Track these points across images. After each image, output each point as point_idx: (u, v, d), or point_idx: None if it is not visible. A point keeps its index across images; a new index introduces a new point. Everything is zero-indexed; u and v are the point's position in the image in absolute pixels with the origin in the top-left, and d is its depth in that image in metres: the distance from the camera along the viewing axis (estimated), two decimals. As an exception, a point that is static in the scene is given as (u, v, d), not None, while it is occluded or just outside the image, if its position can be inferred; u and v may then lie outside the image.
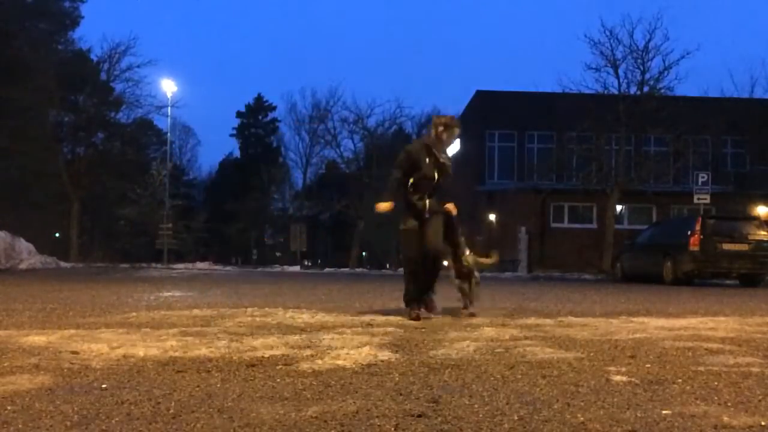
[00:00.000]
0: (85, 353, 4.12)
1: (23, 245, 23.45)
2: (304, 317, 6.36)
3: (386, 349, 4.40)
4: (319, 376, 3.54)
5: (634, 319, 6.68)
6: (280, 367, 3.80)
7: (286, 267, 31.50)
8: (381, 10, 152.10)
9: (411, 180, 6.20)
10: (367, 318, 6.40)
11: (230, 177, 55.41)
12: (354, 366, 3.84)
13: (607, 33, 28.66)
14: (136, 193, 41.84)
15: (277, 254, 54.11)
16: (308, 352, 4.29)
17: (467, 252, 6.51)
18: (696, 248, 16.28)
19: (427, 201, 6.18)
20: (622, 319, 6.67)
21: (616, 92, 28.77)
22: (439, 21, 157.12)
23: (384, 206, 6.22)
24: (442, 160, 6.25)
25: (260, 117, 59.41)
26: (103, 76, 39.45)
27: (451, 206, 6.31)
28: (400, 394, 3.13)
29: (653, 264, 17.59)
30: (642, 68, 28.78)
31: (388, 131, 48.34)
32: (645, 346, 4.67)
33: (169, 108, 38.51)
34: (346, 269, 32.20)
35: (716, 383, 3.46)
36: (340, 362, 3.93)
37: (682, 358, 4.22)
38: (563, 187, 30.38)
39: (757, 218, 19.35)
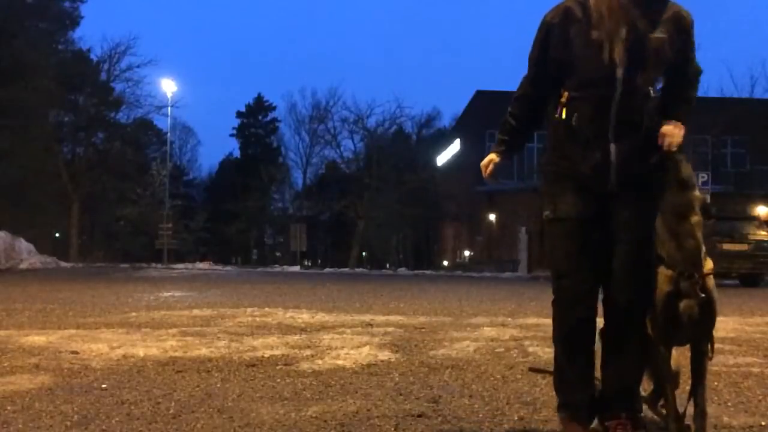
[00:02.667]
0: (85, 353, 4.12)
1: (23, 245, 23.44)
2: (304, 317, 6.37)
3: (386, 349, 4.40)
4: (319, 376, 3.54)
5: (634, 319, 6.67)
6: (280, 367, 3.80)
7: (286, 267, 31.46)
8: (381, 9, 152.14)
9: (564, 95, 2.49)
10: (367, 318, 6.40)
11: (230, 177, 55.29)
12: (354, 366, 3.84)
13: (607, 33, 28.64)
14: (136, 193, 41.79)
15: (277, 254, 54.08)
16: (308, 352, 4.29)
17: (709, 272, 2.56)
18: (696, 248, 16.25)
19: (612, 144, 2.46)
20: (622, 319, 6.67)
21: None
22: (440, 21, 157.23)
23: (488, 165, 2.91)
24: (655, 33, 2.38)
25: (260, 117, 59.31)
26: (103, 76, 39.50)
27: (672, 132, 2.51)
28: (400, 394, 3.13)
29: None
30: (642, 68, 28.78)
31: (388, 131, 48.32)
32: (645, 346, 4.66)
33: (169, 108, 38.49)
34: (346, 269, 32.17)
35: (716, 383, 3.46)
36: (340, 362, 3.94)
37: (682, 358, 4.21)
38: (563, 187, 30.31)
39: (757, 218, 19.33)
